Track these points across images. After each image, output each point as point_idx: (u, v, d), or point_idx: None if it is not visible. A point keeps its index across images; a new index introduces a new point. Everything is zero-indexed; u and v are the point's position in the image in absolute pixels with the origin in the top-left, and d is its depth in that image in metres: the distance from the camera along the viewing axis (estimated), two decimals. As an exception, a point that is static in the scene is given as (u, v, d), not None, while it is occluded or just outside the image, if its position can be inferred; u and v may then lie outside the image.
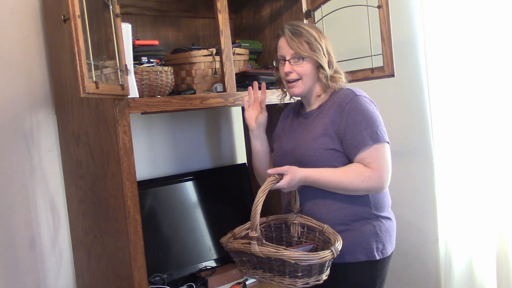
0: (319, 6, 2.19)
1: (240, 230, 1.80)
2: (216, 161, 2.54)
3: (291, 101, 2.02)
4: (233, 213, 2.36)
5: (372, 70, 2.10)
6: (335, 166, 1.73)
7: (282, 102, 1.99)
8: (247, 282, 2.15)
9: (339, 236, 1.68)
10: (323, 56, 1.78)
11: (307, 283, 1.58)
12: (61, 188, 2.05)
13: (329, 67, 1.79)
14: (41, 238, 2.00)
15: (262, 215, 1.61)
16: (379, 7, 2.03)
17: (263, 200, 1.57)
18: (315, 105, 1.86)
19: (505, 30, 2.19)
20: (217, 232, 2.29)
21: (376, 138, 1.69)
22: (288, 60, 1.79)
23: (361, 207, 1.75)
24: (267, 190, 1.60)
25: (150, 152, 2.32)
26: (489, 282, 2.29)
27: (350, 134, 1.71)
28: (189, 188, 2.31)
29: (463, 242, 2.37)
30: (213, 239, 2.29)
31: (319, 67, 1.78)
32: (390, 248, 1.81)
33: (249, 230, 1.58)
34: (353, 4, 2.10)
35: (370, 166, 1.68)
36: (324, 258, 1.56)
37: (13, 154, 1.94)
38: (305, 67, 1.78)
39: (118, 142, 1.65)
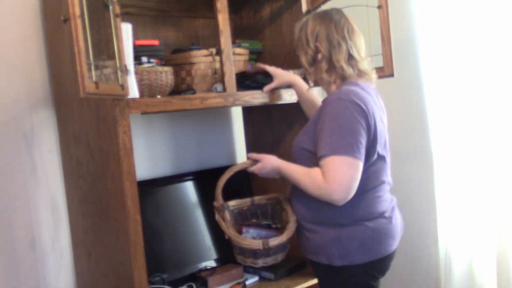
0: (319, 6, 2.18)
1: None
2: (216, 161, 2.54)
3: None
4: (233, 213, 2.36)
5: (372, 70, 2.10)
6: (309, 166, 1.71)
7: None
8: (247, 282, 2.15)
9: (290, 231, 1.80)
10: (308, 50, 1.77)
11: (245, 262, 1.86)
12: (61, 188, 2.05)
13: (325, 60, 1.76)
14: (41, 238, 2.00)
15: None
16: (379, 7, 2.03)
17: (228, 176, 1.85)
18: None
19: (505, 31, 2.19)
20: (217, 232, 2.28)
21: (335, 150, 1.61)
22: None
23: (326, 212, 1.71)
24: (237, 170, 1.86)
25: (150, 152, 2.32)
26: (489, 282, 2.29)
27: (319, 138, 1.67)
28: (189, 188, 2.31)
29: (463, 242, 2.37)
30: (213, 239, 2.29)
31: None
32: (364, 256, 1.71)
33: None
34: (353, 4, 2.09)
35: (324, 175, 1.62)
36: (249, 246, 1.78)
37: (13, 154, 1.94)
38: (301, 62, 1.83)
39: (118, 142, 1.65)
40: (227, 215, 1.86)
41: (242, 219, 2.01)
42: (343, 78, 1.76)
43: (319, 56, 1.76)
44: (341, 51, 1.74)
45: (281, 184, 1.98)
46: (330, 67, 1.75)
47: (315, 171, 1.66)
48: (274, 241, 1.78)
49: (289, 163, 1.79)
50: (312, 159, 1.71)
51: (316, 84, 1.88)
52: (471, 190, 2.33)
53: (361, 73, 1.77)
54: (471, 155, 2.32)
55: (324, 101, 1.77)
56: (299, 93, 2.08)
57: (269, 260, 1.85)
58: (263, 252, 1.80)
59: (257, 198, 2.06)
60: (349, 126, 1.62)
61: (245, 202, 2.04)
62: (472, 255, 2.34)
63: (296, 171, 1.74)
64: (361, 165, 1.64)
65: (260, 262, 1.84)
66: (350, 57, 1.75)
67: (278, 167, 1.80)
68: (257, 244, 1.77)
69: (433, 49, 2.40)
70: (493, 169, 2.26)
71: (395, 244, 1.79)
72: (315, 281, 2.12)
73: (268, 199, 2.06)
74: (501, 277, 2.27)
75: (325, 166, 1.63)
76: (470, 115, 2.31)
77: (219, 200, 1.85)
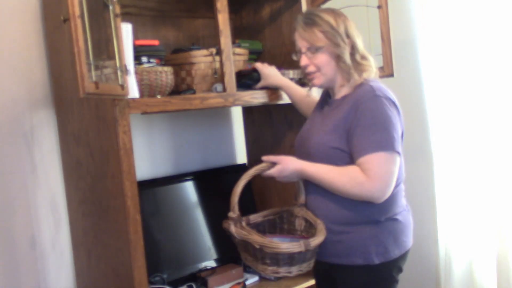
0: (319, 6, 2.19)
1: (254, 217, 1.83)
2: (216, 161, 2.54)
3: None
4: (233, 213, 2.36)
5: (372, 70, 2.10)
6: (339, 166, 1.66)
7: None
8: (247, 282, 2.15)
9: (323, 232, 1.66)
10: (342, 42, 1.68)
11: (277, 272, 1.62)
12: (61, 188, 2.05)
13: (353, 52, 1.71)
14: (41, 238, 2.00)
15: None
16: (379, 7, 2.03)
17: (245, 182, 1.63)
18: (339, 94, 1.76)
19: (505, 31, 2.19)
20: (217, 232, 2.29)
21: (382, 146, 1.60)
22: (304, 53, 1.74)
23: (362, 210, 1.67)
24: (253, 174, 1.65)
25: (150, 152, 2.32)
26: (489, 283, 2.29)
27: (357, 136, 1.63)
28: (189, 188, 2.31)
29: (463, 243, 2.37)
30: (213, 239, 2.29)
31: (339, 55, 1.71)
32: (397, 251, 1.71)
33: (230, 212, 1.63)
34: (353, 4, 2.09)
35: (366, 173, 1.59)
36: (289, 250, 1.57)
37: (13, 154, 1.94)
38: (321, 58, 1.72)
39: (118, 142, 1.65)
40: (245, 224, 1.67)
41: None
42: (363, 74, 1.74)
43: (349, 49, 1.71)
44: (360, 40, 1.75)
45: (286, 192, 1.91)
46: (362, 57, 1.73)
47: (354, 169, 1.62)
48: (315, 241, 1.61)
49: (313, 164, 1.68)
50: (345, 159, 1.66)
51: (324, 83, 1.78)
52: (471, 190, 2.33)
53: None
54: (471, 155, 2.32)
55: (354, 97, 1.69)
56: (290, 95, 2.07)
57: (305, 266, 1.66)
58: (300, 256, 1.62)
59: (252, 217, 1.85)
60: (391, 123, 1.63)
61: (265, 213, 1.89)
62: (472, 255, 2.34)
63: (328, 171, 1.65)
64: (399, 160, 1.66)
65: (295, 270, 1.64)
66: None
67: (301, 169, 1.68)
68: (298, 246, 1.57)
69: (433, 49, 2.40)
70: (493, 169, 2.26)
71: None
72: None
73: (265, 216, 1.89)
74: (501, 277, 2.27)
75: (368, 162, 1.60)
76: (470, 115, 2.31)
77: (235, 211, 1.63)
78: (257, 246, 1.58)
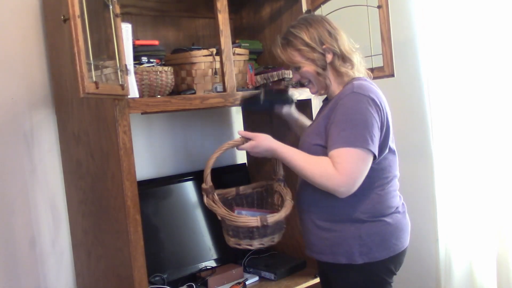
0: (319, 6, 2.19)
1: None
2: (216, 161, 2.52)
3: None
4: (233, 213, 2.36)
5: (372, 70, 2.10)
6: None
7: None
8: (247, 282, 2.15)
9: (287, 210, 1.75)
10: (317, 54, 1.73)
11: (239, 244, 1.76)
12: (61, 188, 2.05)
13: (333, 59, 1.73)
14: (41, 238, 2.00)
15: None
16: (379, 7, 2.03)
17: (217, 155, 1.74)
18: (333, 95, 1.79)
19: (505, 30, 2.19)
20: (217, 232, 2.28)
21: (351, 142, 1.61)
22: (291, 70, 1.83)
23: (344, 207, 1.69)
24: (227, 148, 1.75)
25: (150, 152, 2.32)
26: (489, 283, 2.29)
27: (332, 131, 1.66)
28: (189, 188, 2.31)
29: (463, 242, 2.37)
30: (213, 239, 2.29)
31: (318, 67, 1.74)
32: (384, 253, 1.71)
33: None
34: (353, 4, 2.10)
35: (336, 166, 1.61)
36: (245, 224, 1.68)
37: (13, 154, 1.94)
38: (305, 74, 1.77)
39: (118, 142, 1.65)
40: (217, 197, 1.76)
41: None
42: (353, 69, 1.76)
43: (329, 56, 1.74)
44: (344, 40, 1.76)
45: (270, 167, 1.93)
46: (342, 60, 1.75)
47: (326, 160, 1.63)
48: (273, 217, 1.71)
49: (289, 147, 1.72)
50: (325, 154, 1.67)
51: (328, 90, 1.80)
52: (471, 190, 2.33)
53: (360, 60, 1.80)
54: (471, 155, 2.32)
55: (337, 95, 1.73)
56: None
57: (266, 241, 1.76)
58: (260, 231, 1.72)
59: (242, 188, 1.99)
60: (364, 119, 1.63)
61: (230, 191, 1.97)
62: (472, 255, 2.34)
63: (299, 157, 1.69)
64: (371, 159, 1.65)
65: (256, 243, 1.75)
66: (350, 43, 1.78)
67: (274, 149, 1.72)
68: (255, 221, 1.68)
69: (433, 49, 2.39)
70: (493, 169, 2.26)
71: (408, 239, 1.81)
72: (315, 281, 2.13)
73: (254, 187, 2.01)
74: (501, 277, 2.27)
75: (338, 156, 1.61)
76: (470, 115, 2.31)
77: (208, 182, 1.75)
78: (219, 218, 1.74)
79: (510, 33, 2.18)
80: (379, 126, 1.66)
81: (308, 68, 1.75)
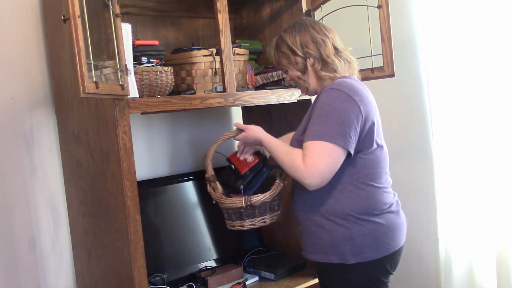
0: (319, 6, 2.19)
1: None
2: (216, 161, 2.53)
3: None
4: (233, 213, 2.36)
5: (372, 70, 2.10)
6: None
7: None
8: (247, 282, 2.15)
9: (272, 191, 1.83)
10: (298, 58, 1.79)
11: (233, 226, 1.86)
12: (61, 188, 2.05)
13: (313, 62, 1.78)
14: (41, 238, 2.00)
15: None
16: (379, 7, 2.03)
17: (217, 146, 1.88)
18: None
19: (505, 31, 2.19)
20: (217, 232, 2.29)
21: (320, 135, 1.63)
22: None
23: (334, 205, 1.71)
24: (224, 139, 1.87)
25: (150, 152, 2.32)
26: (489, 283, 2.29)
27: (308, 125, 1.70)
28: (189, 188, 2.31)
29: (463, 242, 2.37)
30: (213, 239, 2.29)
31: (300, 69, 1.81)
32: (378, 252, 1.72)
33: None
34: (353, 4, 2.10)
35: (304, 158, 1.65)
36: (231, 205, 1.81)
37: (13, 154, 1.94)
38: (291, 75, 1.85)
39: (118, 142, 1.65)
40: (219, 186, 1.88)
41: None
42: (335, 73, 1.79)
43: (310, 60, 1.79)
44: (327, 47, 1.78)
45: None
46: (323, 65, 1.79)
47: (297, 151, 1.68)
48: (256, 198, 1.79)
49: (274, 138, 1.80)
50: None
51: (310, 92, 1.86)
52: (471, 190, 2.33)
53: (349, 64, 1.82)
54: (471, 155, 2.32)
55: (319, 93, 1.76)
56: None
57: (257, 222, 1.85)
58: (248, 211, 1.82)
59: None
60: (338, 114, 1.65)
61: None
62: (472, 255, 2.34)
63: (277, 147, 1.76)
64: (342, 154, 1.65)
65: (247, 224, 1.84)
66: (336, 50, 1.80)
67: (261, 139, 1.80)
68: (240, 201, 1.79)
69: (433, 49, 2.39)
70: (493, 169, 2.26)
71: (404, 238, 1.81)
72: (315, 281, 2.13)
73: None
74: (501, 277, 2.27)
75: (307, 149, 1.65)
76: (470, 115, 2.31)
77: (209, 171, 1.88)
78: (214, 202, 1.86)
79: (510, 33, 2.18)
80: (358, 122, 1.66)
81: (290, 71, 1.84)
